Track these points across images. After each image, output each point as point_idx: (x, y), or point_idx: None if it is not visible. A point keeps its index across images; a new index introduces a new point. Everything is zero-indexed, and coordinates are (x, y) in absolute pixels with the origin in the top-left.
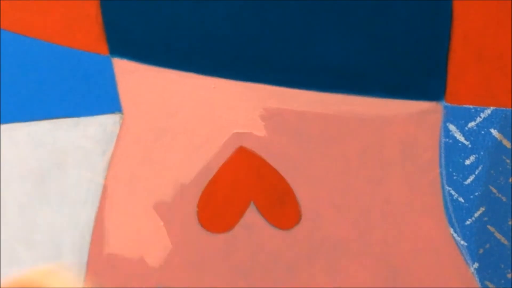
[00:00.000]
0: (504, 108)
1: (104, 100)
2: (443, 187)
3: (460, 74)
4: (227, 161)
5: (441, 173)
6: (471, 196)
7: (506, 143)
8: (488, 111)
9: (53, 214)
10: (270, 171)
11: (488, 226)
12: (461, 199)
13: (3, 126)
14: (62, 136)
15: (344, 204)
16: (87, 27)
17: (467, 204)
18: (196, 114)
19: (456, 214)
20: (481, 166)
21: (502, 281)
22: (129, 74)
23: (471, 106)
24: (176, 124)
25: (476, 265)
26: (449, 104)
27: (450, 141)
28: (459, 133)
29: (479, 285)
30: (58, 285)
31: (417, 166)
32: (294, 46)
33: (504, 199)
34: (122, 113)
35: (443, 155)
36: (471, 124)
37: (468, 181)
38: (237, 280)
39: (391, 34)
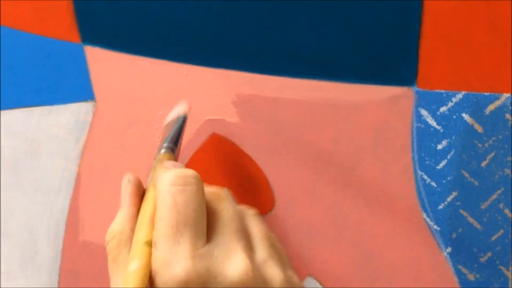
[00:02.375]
0: (476, 93)
1: (77, 88)
2: (415, 172)
3: (431, 59)
4: (200, 148)
5: (413, 158)
6: (444, 181)
7: (478, 127)
8: (459, 96)
9: (27, 202)
10: (243, 157)
11: (461, 211)
12: (433, 184)
13: None
14: (35, 124)
15: (317, 190)
16: (58, 15)
17: (439, 189)
18: (168, 101)
19: (428, 198)
20: (453, 150)
21: (475, 265)
22: (102, 62)
23: (442, 91)
24: (149, 111)
25: (449, 249)
26: (420, 89)
27: (422, 126)
28: (431, 118)
29: (452, 269)
30: None
31: (390, 151)
32: (266, 33)
33: (476, 183)
34: (95, 101)
35: (415, 140)
36: (443, 109)
37: (441, 165)
38: None
39: (362, 19)
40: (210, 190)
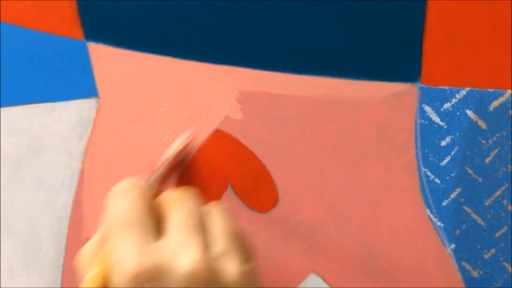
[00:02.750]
0: (479, 89)
1: (80, 84)
2: (419, 169)
3: (435, 56)
4: (204, 144)
5: (417, 155)
6: (447, 177)
7: (482, 123)
8: (463, 92)
9: (30, 199)
10: (247, 154)
11: (465, 207)
12: (437, 180)
13: None
14: (38, 121)
15: (321, 187)
16: (61, 12)
17: (443, 185)
18: (172, 98)
19: (432, 195)
20: (457, 147)
21: (479, 262)
22: (105, 58)
23: (446, 87)
24: (152, 108)
25: (453, 246)
26: (424, 85)
27: (426, 122)
28: (435, 114)
29: (456, 266)
30: None
31: (393, 148)
32: (269, 29)
33: (480, 179)
34: (98, 98)
35: (419, 136)
36: (447, 105)
37: (444, 162)
38: None
39: (365, 16)
40: (173, 193)
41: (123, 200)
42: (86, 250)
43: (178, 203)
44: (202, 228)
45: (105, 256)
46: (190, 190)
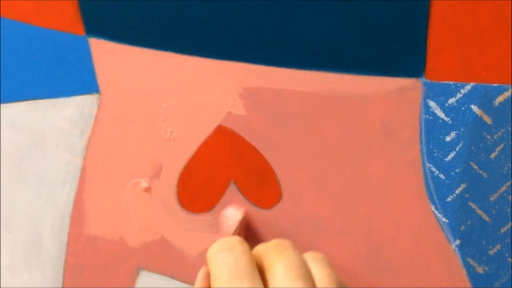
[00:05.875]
0: (484, 84)
1: (81, 80)
2: (423, 164)
3: (439, 50)
4: (206, 140)
5: (421, 150)
6: (452, 173)
7: (487, 119)
8: (468, 87)
9: (32, 196)
10: (250, 150)
11: (469, 203)
12: (442, 176)
13: None
14: (40, 117)
15: (325, 183)
16: (62, 7)
17: (448, 181)
18: (174, 94)
19: (437, 191)
20: (462, 142)
21: (484, 258)
22: (106, 54)
23: (451, 82)
24: (154, 104)
25: (457, 242)
26: (428, 80)
27: (431, 117)
28: (439, 109)
29: (460, 262)
30: None
31: (398, 143)
32: (272, 24)
33: (485, 175)
34: (100, 94)
35: (423, 132)
36: (451, 100)
37: (449, 157)
38: None
39: (369, 10)
40: (271, 243)
41: (229, 254)
42: None
43: (278, 254)
44: (308, 277)
45: None
46: (287, 240)
